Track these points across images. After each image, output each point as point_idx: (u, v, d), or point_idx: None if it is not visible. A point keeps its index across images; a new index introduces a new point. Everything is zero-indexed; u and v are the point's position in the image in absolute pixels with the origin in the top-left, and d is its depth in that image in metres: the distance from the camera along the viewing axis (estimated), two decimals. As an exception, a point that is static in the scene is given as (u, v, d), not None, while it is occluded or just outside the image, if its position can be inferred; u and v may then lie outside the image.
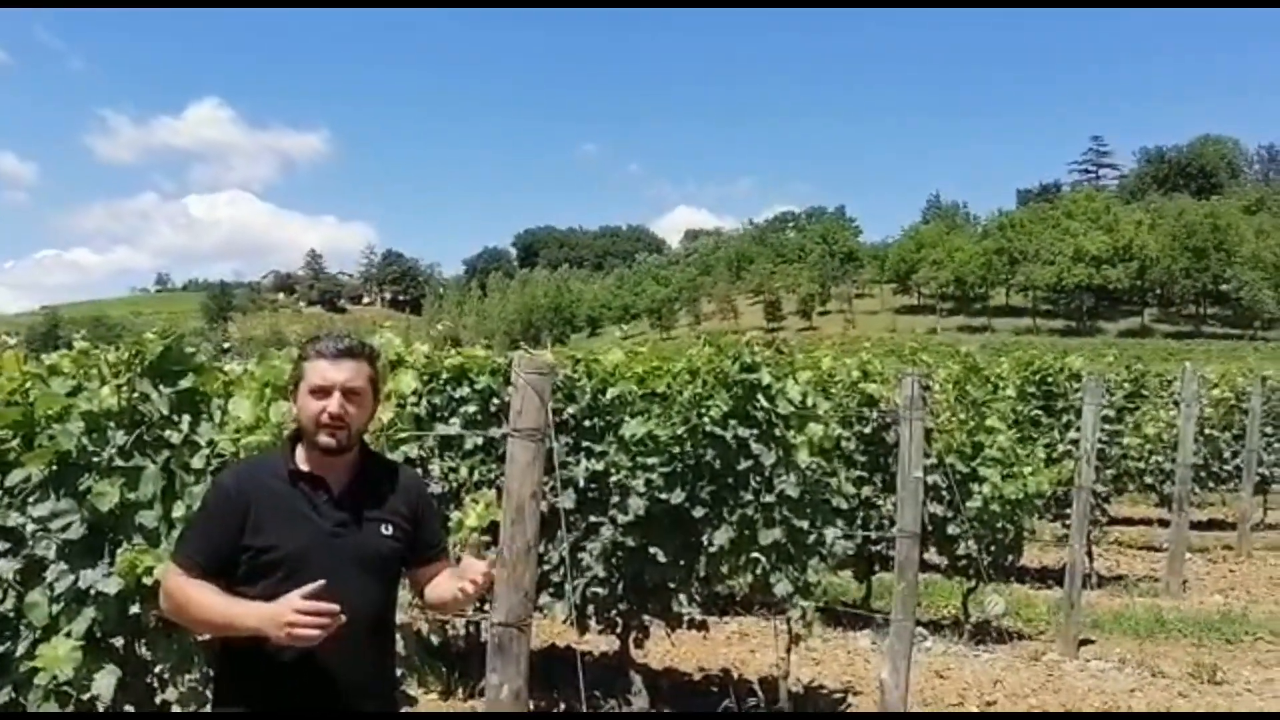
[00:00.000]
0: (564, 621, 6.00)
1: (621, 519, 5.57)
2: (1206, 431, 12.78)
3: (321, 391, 2.55)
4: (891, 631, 5.66)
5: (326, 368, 2.57)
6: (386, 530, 2.61)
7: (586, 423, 5.91)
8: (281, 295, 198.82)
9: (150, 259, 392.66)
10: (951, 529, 7.68)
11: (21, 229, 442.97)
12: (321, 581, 2.35)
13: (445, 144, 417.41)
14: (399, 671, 3.34)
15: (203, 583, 2.46)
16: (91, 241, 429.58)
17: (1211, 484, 13.49)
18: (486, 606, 3.36)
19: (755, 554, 5.35)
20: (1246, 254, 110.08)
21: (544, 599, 5.89)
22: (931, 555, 8.50)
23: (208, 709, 3.68)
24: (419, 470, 6.03)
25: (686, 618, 5.87)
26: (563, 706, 5.93)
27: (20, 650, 3.55)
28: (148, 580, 3.42)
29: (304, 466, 2.59)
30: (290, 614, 2.29)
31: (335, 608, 2.32)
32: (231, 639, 2.54)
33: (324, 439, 2.54)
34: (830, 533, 5.56)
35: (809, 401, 5.55)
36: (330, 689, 2.50)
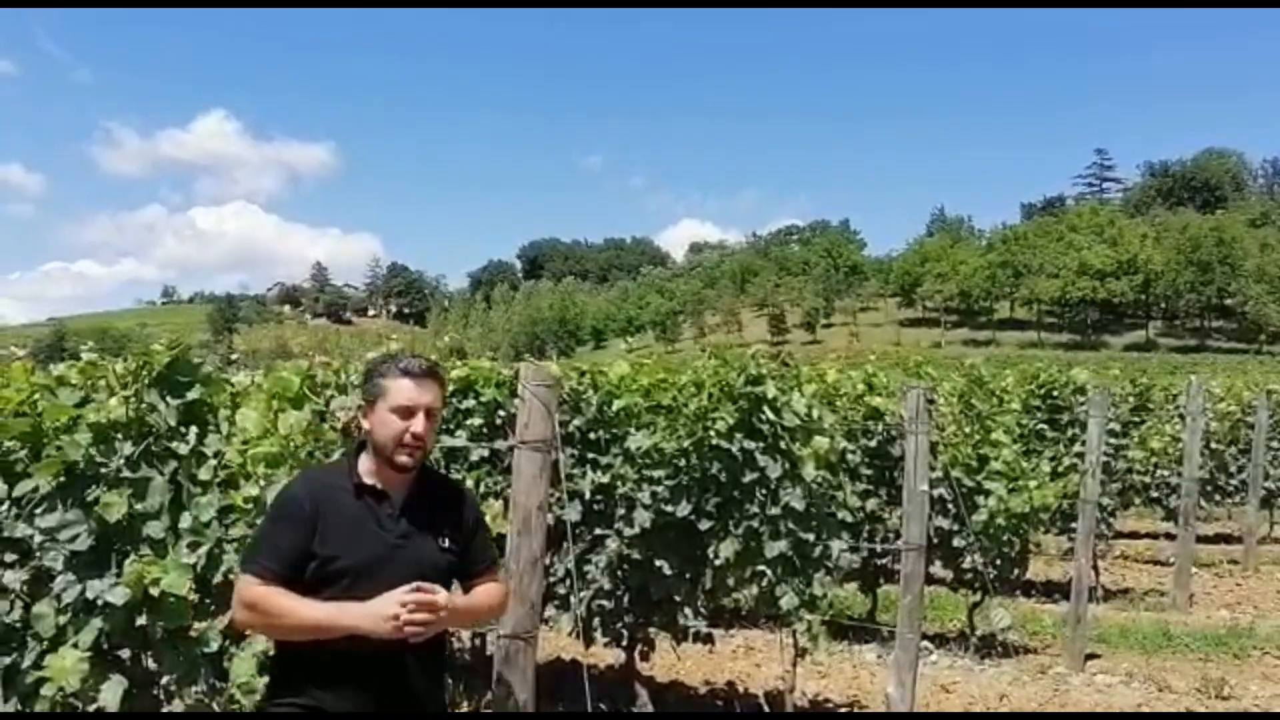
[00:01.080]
0: (569, 634, 5.99)
1: (627, 531, 5.57)
2: (1212, 445, 12.75)
3: (407, 412, 2.61)
4: (897, 645, 5.65)
5: (412, 388, 2.64)
6: (445, 544, 2.70)
7: (592, 435, 5.90)
8: (287, 307, 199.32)
9: (156, 271, 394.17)
10: (957, 542, 7.67)
11: (28, 241, 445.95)
12: (417, 584, 2.47)
13: (450, 156, 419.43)
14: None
15: (285, 590, 2.53)
16: (98, 253, 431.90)
17: (1218, 498, 13.44)
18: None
19: (761, 567, 5.34)
20: (1251, 268, 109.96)
21: (549, 611, 5.88)
22: (937, 568, 8.46)
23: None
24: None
25: (692, 631, 5.85)
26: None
27: (27, 661, 3.55)
28: (154, 591, 3.42)
29: (368, 479, 2.66)
30: (395, 607, 2.42)
31: (439, 597, 2.46)
32: (287, 647, 2.63)
33: (403, 459, 2.62)
34: (836, 545, 5.54)
35: (814, 414, 5.55)
36: (387, 696, 2.57)
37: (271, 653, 3.53)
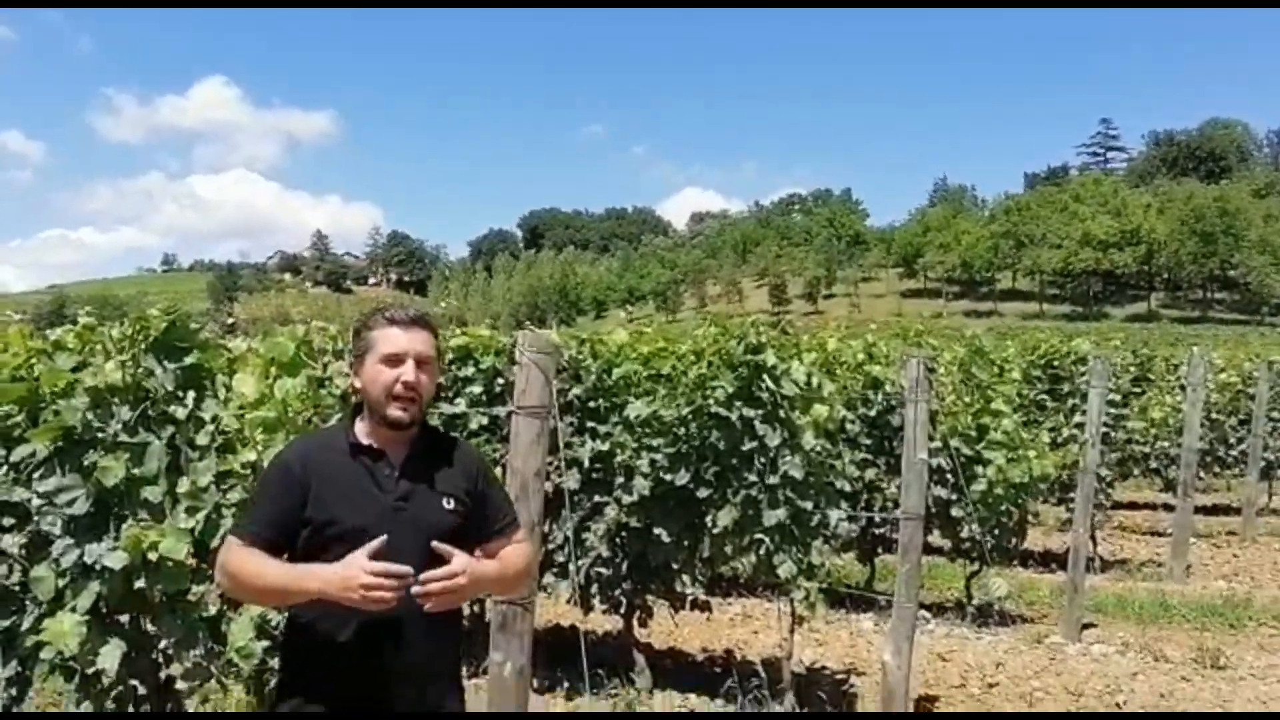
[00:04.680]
0: (568, 601, 6.01)
1: (626, 499, 5.58)
2: (1212, 416, 12.76)
3: (395, 360, 2.49)
4: (894, 614, 5.66)
5: (399, 335, 2.51)
6: (449, 504, 2.54)
7: (591, 403, 5.90)
8: (287, 276, 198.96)
9: (156, 238, 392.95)
10: (955, 512, 7.68)
11: (28, 208, 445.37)
12: (384, 537, 2.32)
13: (451, 125, 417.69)
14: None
15: (261, 553, 2.42)
16: (97, 221, 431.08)
17: (1217, 469, 13.50)
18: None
19: (759, 535, 5.35)
20: (1255, 239, 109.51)
21: (548, 578, 5.90)
22: (935, 538, 8.49)
23: (211, 685, 3.71)
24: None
25: (690, 598, 5.88)
26: (565, 685, 5.95)
27: (26, 624, 3.58)
28: (152, 555, 3.43)
29: (364, 440, 2.54)
30: (362, 575, 2.25)
31: (407, 569, 2.28)
32: (297, 619, 2.52)
33: (395, 411, 2.48)
34: (834, 514, 5.55)
35: (814, 383, 5.54)
36: (395, 668, 2.45)
37: (270, 618, 3.55)
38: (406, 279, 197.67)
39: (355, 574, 2.26)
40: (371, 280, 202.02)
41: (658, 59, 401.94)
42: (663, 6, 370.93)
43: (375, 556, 2.31)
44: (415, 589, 2.30)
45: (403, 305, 2.62)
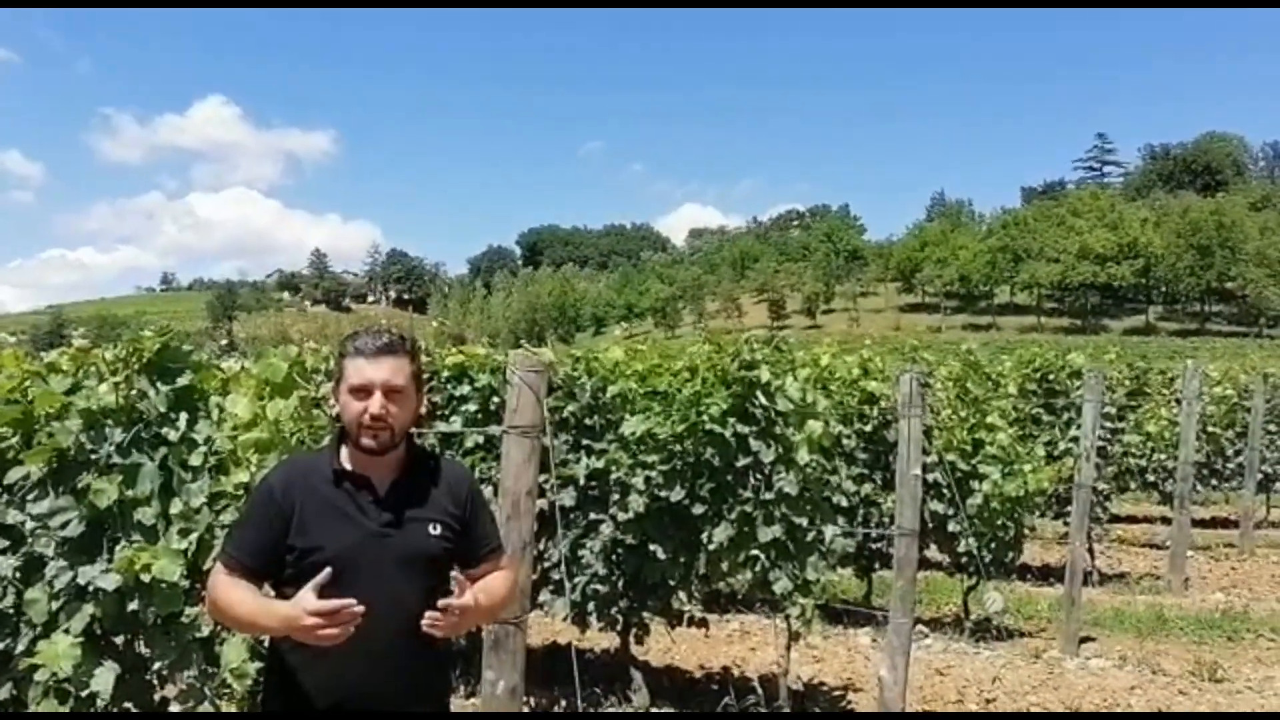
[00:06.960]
0: (564, 619, 6.01)
1: (621, 516, 5.58)
2: (1209, 429, 12.78)
3: (361, 391, 2.46)
4: (890, 629, 5.67)
5: (365, 366, 2.47)
6: (434, 530, 2.53)
7: (587, 421, 5.91)
8: (286, 294, 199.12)
9: (156, 258, 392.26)
10: (952, 526, 7.68)
11: (27, 228, 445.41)
12: (328, 571, 2.32)
13: (450, 143, 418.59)
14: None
15: (240, 582, 2.43)
16: (97, 241, 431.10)
17: (1214, 482, 13.50)
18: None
19: (755, 551, 5.35)
20: (1251, 251, 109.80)
21: (545, 596, 5.90)
22: (932, 552, 8.49)
23: (205, 707, 3.71)
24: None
25: (687, 615, 5.87)
26: (563, 704, 5.94)
27: (20, 647, 3.57)
28: (145, 577, 3.44)
29: (348, 465, 2.53)
30: (304, 617, 2.25)
31: (350, 602, 2.26)
32: (280, 642, 2.51)
33: (365, 441, 2.46)
34: (830, 530, 5.56)
35: (808, 399, 5.55)
36: (378, 690, 2.46)
37: (263, 639, 3.55)
38: (405, 296, 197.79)
39: (298, 614, 2.27)
40: (370, 298, 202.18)
41: (655, 76, 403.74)
42: (660, 6, 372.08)
43: (330, 587, 2.31)
44: (428, 615, 2.33)
45: (375, 331, 2.56)
